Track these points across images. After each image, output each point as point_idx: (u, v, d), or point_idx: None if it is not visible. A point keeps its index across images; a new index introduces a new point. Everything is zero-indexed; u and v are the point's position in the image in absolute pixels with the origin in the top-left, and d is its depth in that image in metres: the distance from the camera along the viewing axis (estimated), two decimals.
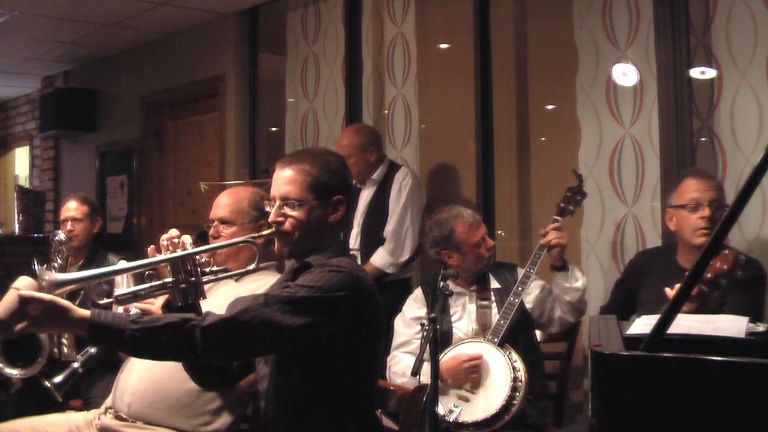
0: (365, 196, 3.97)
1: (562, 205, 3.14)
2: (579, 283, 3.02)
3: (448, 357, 2.93)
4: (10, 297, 1.82)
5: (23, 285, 1.88)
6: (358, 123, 4.47)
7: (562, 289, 3.02)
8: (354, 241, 3.95)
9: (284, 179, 2.13)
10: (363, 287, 2.05)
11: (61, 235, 3.72)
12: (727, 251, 2.34)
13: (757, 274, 2.67)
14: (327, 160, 2.16)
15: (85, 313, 1.85)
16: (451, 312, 3.13)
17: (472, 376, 2.88)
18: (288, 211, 2.11)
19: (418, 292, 3.23)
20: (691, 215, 2.75)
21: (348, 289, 2.00)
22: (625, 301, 2.96)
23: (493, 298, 3.12)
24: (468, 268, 3.11)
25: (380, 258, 3.82)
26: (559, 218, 3.09)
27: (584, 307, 3.08)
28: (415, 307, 3.19)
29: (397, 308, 3.29)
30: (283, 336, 1.94)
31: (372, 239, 3.89)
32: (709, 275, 2.35)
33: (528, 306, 3.10)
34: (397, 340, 3.17)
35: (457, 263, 3.10)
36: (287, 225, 2.11)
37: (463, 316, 3.13)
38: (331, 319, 1.98)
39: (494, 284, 3.15)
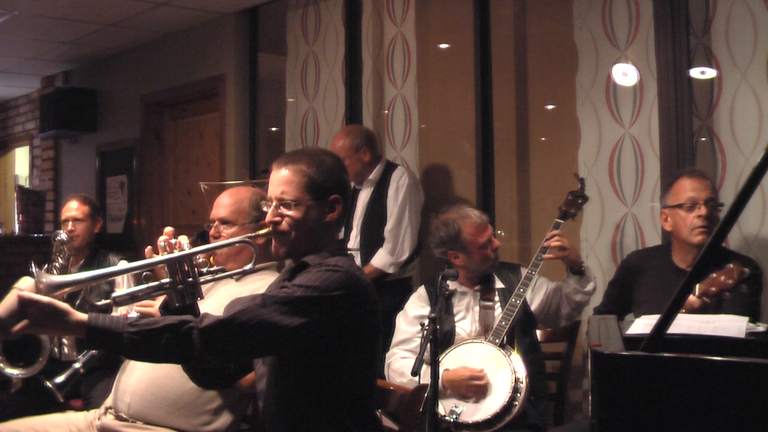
0: (363, 196, 3.97)
1: (564, 208, 3.15)
2: (589, 287, 3.06)
3: (450, 366, 2.93)
4: (12, 297, 1.82)
5: (26, 285, 1.88)
6: (350, 125, 4.49)
7: (573, 289, 3.05)
8: (353, 241, 3.95)
9: (280, 180, 2.13)
10: (360, 286, 2.05)
11: (62, 235, 3.73)
12: (732, 265, 2.35)
13: (753, 273, 2.68)
14: (323, 160, 2.16)
15: (83, 316, 1.85)
16: (455, 311, 3.13)
17: (471, 393, 2.89)
18: (284, 211, 2.11)
19: (421, 291, 3.23)
20: (689, 214, 2.76)
21: (345, 288, 2.00)
22: (619, 301, 2.97)
23: (496, 298, 3.12)
24: (473, 268, 3.12)
25: (380, 258, 3.82)
26: (561, 221, 3.10)
27: (588, 303, 3.12)
28: (418, 305, 3.19)
29: (397, 308, 3.29)
30: (282, 336, 1.94)
31: (371, 239, 3.89)
32: (713, 289, 2.36)
33: (533, 307, 3.12)
34: (397, 337, 3.18)
35: (462, 263, 3.11)
36: (284, 225, 2.11)
37: (467, 315, 3.13)
38: (328, 319, 1.98)
39: (498, 284, 3.15)
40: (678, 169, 3.15)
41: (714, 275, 2.38)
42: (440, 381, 2.72)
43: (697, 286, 2.40)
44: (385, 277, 3.83)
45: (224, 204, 2.82)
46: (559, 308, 3.11)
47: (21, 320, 1.81)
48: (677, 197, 2.81)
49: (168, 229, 2.15)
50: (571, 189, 3.22)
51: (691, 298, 2.40)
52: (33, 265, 1.94)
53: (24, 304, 1.81)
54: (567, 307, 3.09)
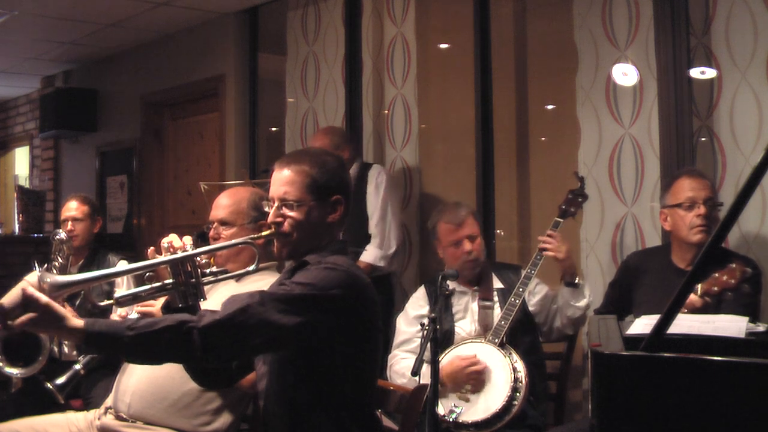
0: None
1: (563, 207, 3.16)
2: (583, 303, 3.03)
3: (446, 362, 2.93)
4: (19, 288, 1.83)
5: (35, 280, 1.89)
6: (326, 126, 4.55)
7: (565, 303, 3.03)
8: None
9: (282, 180, 2.13)
10: (359, 285, 2.05)
11: (62, 235, 3.73)
12: (734, 265, 2.35)
13: (753, 272, 2.68)
14: (325, 161, 2.16)
15: (79, 322, 1.83)
16: (454, 311, 3.13)
17: (471, 381, 2.88)
18: (287, 211, 2.11)
19: (421, 290, 3.24)
20: (688, 214, 2.77)
21: (344, 287, 2.00)
22: (619, 301, 2.97)
23: (495, 298, 3.12)
24: (449, 265, 3.12)
25: (370, 254, 3.88)
26: (561, 220, 3.11)
27: (584, 322, 3.09)
28: (418, 305, 3.19)
29: (384, 305, 3.30)
30: (280, 335, 1.94)
31: (351, 237, 3.92)
32: (716, 289, 2.36)
33: (531, 308, 3.11)
34: (398, 338, 3.18)
35: (442, 257, 3.18)
36: (286, 226, 2.11)
37: (466, 315, 3.13)
38: (327, 317, 1.98)
39: (498, 284, 3.15)
40: (678, 169, 3.15)
41: (716, 275, 2.38)
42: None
43: (699, 285, 2.40)
44: (376, 270, 3.87)
45: (223, 205, 2.82)
46: (553, 321, 3.11)
47: (23, 314, 1.81)
48: (676, 197, 2.82)
49: (173, 236, 2.15)
50: (571, 188, 3.22)
51: (693, 297, 2.41)
52: (36, 264, 1.95)
53: (26, 299, 1.80)
54: (559, 321, 3.08)
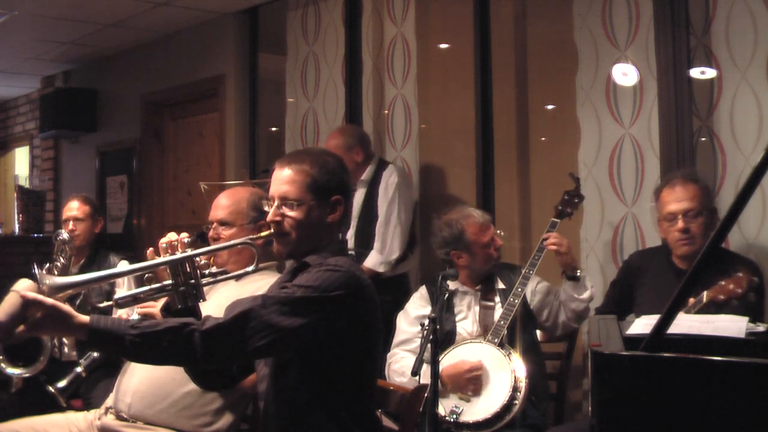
0: (357, 197, 3.96)
1: (560, 207, 3.17)
2: (585, 295, 3.05)
3: (448, 363, 2.93)
4: (12, 300, 1.82)
5: (23, 287, 1.89)
6: (344, 125, 4.51)
7: (569, 297, 3.04)
8: (350, 242, 3.96)
9: (283, 179, 2.13)
10: (360, 286, 2.06)
11: (64, 235, 3.74)
12: (741, 274, 2.35)
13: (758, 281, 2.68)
14: (325, 161, 2.16)
15: (85, 318, 1.85)
16: (456, 311, 3.14)
17: (472, 385, 2.89)
18: (286, 211, 2.11)
19: (422, 290, 3.24)
20: (671, 227, 2.79)
21: (345, 288, 2.00)
22: (620, 301, 2.98)
23: (497, 299, 3.13)
24: (476, 268, 3.13)
25: (371, 259, 3.84)
26: (558, 221, 3.12)
27: (587, 315, 3.10)
28: (419, 305, 3.20)
29: (393, 306, 3.30)
30: (282, 337, 1.94)
31: (367, 240, 3.90)
32: (722, 297, 2.36)
33: (534, 307, 3.12)
34: (398, 337, 3.18)
35: (465, 263, 3.12)
36: (285, 225, 2.11)
37: (468, 315, 3.14)
38: (328, 319, 1.99)
39: (500, 285, 3.16)
40: (678, 169, 3.15)
41: (722, 283, 2.37)
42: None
43: (705, 293, 2.40)
44: (379, 275, 3.83)
45: (222, 205, 2.82)
46: (557, 316, 3.12)
47: (22, 322, 1.81)
48: (660, 211, 2.86)
49: (171, 235, 2.15)
50: (567, 189, 3.24)
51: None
52: (35, 266, 1.95)
53: (27, 304, 1.81)
54: (563, 315, 3.10)
